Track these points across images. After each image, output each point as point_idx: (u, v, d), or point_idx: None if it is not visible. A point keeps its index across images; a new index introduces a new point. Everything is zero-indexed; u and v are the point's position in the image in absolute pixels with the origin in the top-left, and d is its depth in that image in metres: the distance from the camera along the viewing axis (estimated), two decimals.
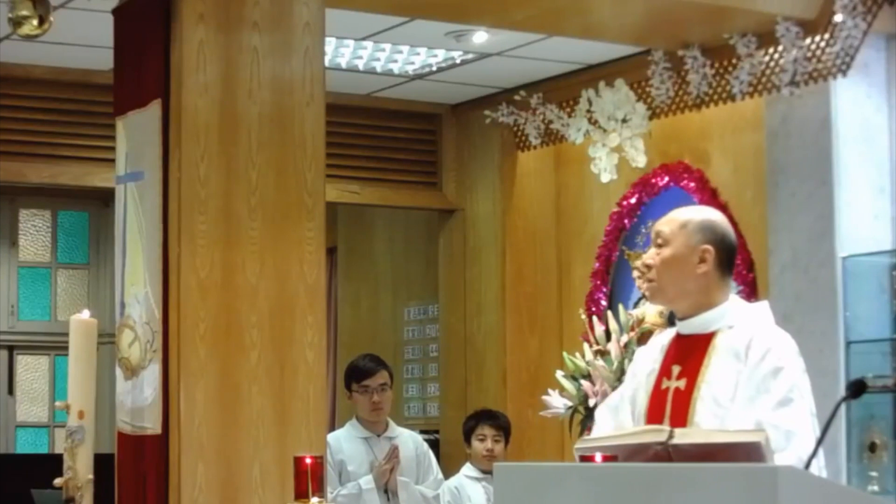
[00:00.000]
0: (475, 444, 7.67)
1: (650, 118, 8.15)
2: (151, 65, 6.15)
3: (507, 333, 9.08)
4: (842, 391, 3.72)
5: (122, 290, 6.28)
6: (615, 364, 6.72)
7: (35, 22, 5.96)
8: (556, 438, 8.22)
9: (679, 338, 4.31)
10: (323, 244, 6.36)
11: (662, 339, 4.39)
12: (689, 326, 4.26)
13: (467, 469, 7.68)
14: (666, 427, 3.87)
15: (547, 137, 8.83)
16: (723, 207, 7.61)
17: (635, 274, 7.43)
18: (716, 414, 4.08)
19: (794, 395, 4.03)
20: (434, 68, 8.65)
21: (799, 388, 4.05)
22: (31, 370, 11.89)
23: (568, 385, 6.87)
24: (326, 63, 6.51)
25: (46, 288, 11.88)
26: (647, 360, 4.37)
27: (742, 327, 4.19)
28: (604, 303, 8.35)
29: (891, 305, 7.05)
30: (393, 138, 9.41)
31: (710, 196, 7.74)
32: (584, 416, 6.80)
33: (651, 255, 4.26)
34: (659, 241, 4.24)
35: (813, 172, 7.20)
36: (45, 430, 11.90)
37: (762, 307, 4.35)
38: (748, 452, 3.64)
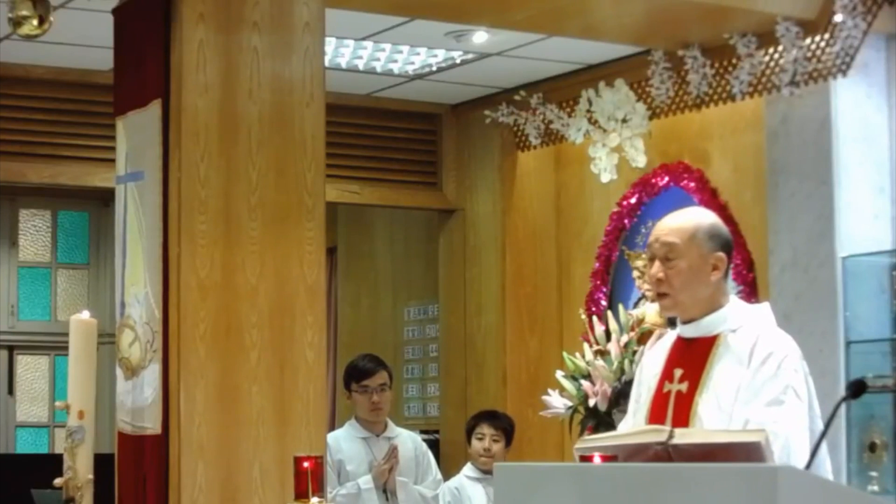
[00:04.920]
0: (474, 442, 7.66)
1: (650, 118, 8.14)
2: (151, 65, 6.15)
3: (507, 333, 9.07)
4: (842, 391, 3.71)
5: (122, 290, 6.28)
6: (615, 364, 6.72)
7: (35, 22, 5.96)
8: (556, 438, 8.22)
9: (680, 340, 4.30)
10: (323, 244, 6.36)
11: (665, 342, 4.38)
12: (693, 329, 4.25)
13: (468, 470, 7.67)
14: (666, 427, 3.87)
15: (547, 137, 8.83)
16: (723, 207, 7.62)
17: (635, 274, 7.43)
18: (719, 418, 4.08)
19: (785, 396, 4.03)
20: (434, 68, 8.65)
21: (793, 391, 4.05)
22: (31, 370, 11.88)
23: (568, 385, 6.87)
24: (326, 63, 6.51)
25: (46, 288, 11.88)
26: (652, 366, 4.36)
27: (746, 331, 4.18)
28: (604, 303, 8.35)
29: (891, 305, 7.05)
30: (393, 138, 9.40)
31: (710, 196, 7.74)
32: (584, 416, 6.80)
33: (660, 269, 4.18)
34: (670, 253, 4.18)
35: (813, 172, 7.20)
36: (45, 430, 11.89)
37: (763, 309, 4.34)
38: (748, 452, 3.64)
